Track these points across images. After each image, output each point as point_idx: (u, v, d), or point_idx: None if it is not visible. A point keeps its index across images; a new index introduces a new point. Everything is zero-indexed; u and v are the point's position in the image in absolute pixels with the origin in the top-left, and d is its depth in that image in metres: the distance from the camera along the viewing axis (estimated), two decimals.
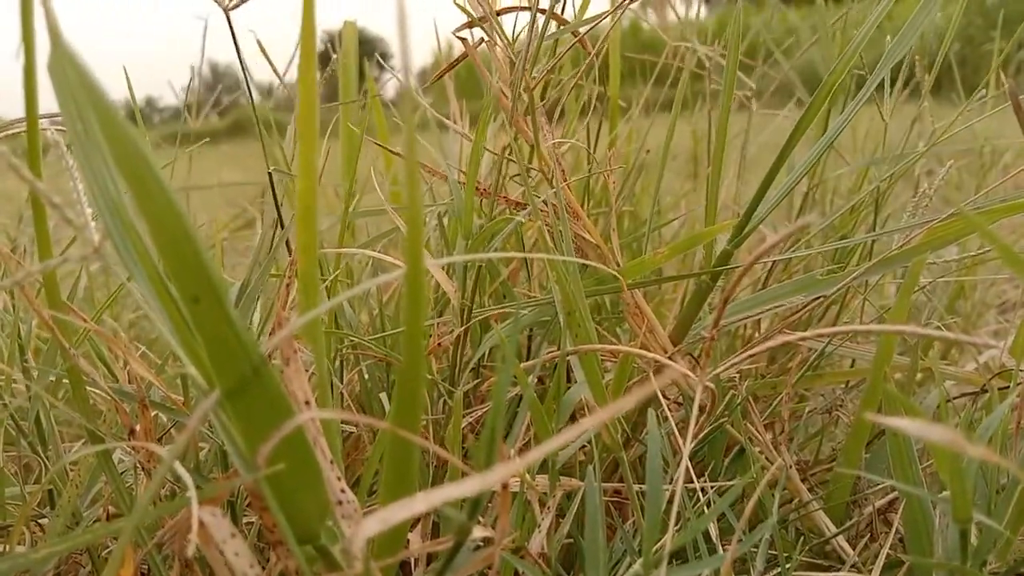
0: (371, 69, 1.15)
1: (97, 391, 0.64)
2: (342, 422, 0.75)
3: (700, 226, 1.10)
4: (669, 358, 0.67)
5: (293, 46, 0.70)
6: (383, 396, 0.75)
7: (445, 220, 0.85)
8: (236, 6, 0.53)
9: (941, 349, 1.02)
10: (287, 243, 0.58)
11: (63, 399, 0.64)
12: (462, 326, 0.66)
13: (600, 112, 0.92)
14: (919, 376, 0.86)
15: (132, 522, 0.28)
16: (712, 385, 0.54)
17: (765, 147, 1.37)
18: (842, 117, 0.65)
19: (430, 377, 0.67)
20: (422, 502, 0.29)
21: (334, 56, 0.90)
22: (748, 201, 0.68)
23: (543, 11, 0.72)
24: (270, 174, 0.59)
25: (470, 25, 0.72)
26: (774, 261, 0.85)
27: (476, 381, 0.78)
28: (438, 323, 0.70)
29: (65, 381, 0.58)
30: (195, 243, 0.29)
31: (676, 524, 0.48)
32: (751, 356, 0.47)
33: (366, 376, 0.81)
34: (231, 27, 0.55)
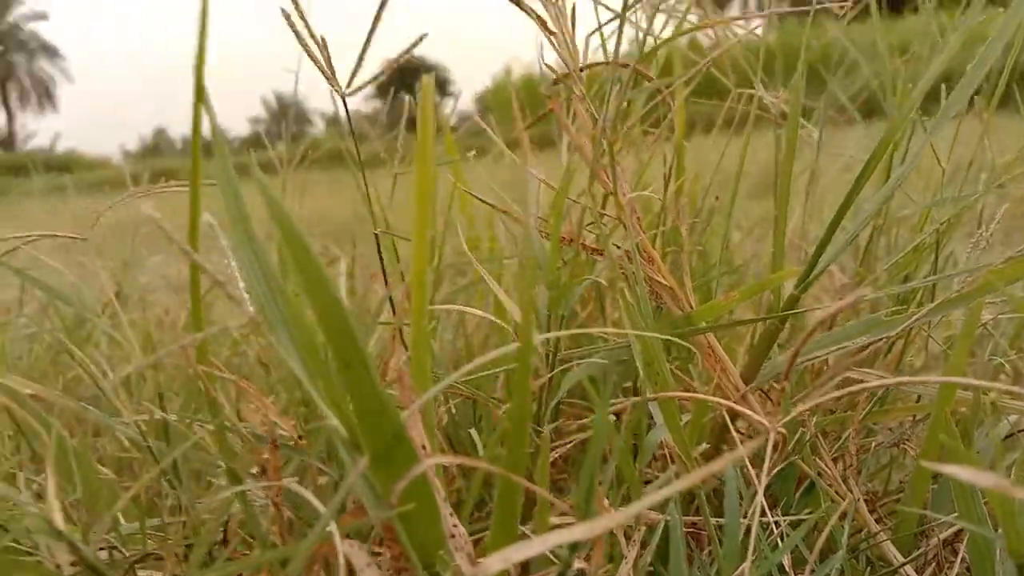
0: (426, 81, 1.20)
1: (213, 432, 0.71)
2: None
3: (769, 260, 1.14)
4: (741, 396, 0.72)
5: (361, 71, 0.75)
6: (472, 431, 0.80)
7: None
8: (355, 92, 0.59)
9: (1009, 380, 1.04)
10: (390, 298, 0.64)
11: (192, 438, 0.71)
12: (548, 372, 0.71)
13: (665, 136, 0.96)
14: (990, 405, 0.88)
15: (308, 544, 0.33)
16: (784, 431, 0.59)
17: (826, 167, 1.39)
18: (906, 165, 0.69)
19: None
20: (539, 544, 0.34)
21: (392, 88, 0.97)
22: (814, 238, 0.72)
23: (626, 65, 0.77)
24: (371, 205, 0.65)
25: (556, 82, 0.78)
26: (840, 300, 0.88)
27: (555, 417, 0.83)
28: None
29: (187, 419, 0.65)
30: (347, 321, 0.35)
31: (752, 555, 0.52)
32: (820, 403, 0.52)
33: (453, 411, 0.86)
34: (346, 111, 0.61)
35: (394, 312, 0.62)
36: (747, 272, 1.23)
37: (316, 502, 0.45)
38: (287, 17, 0.53)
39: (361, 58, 0.57)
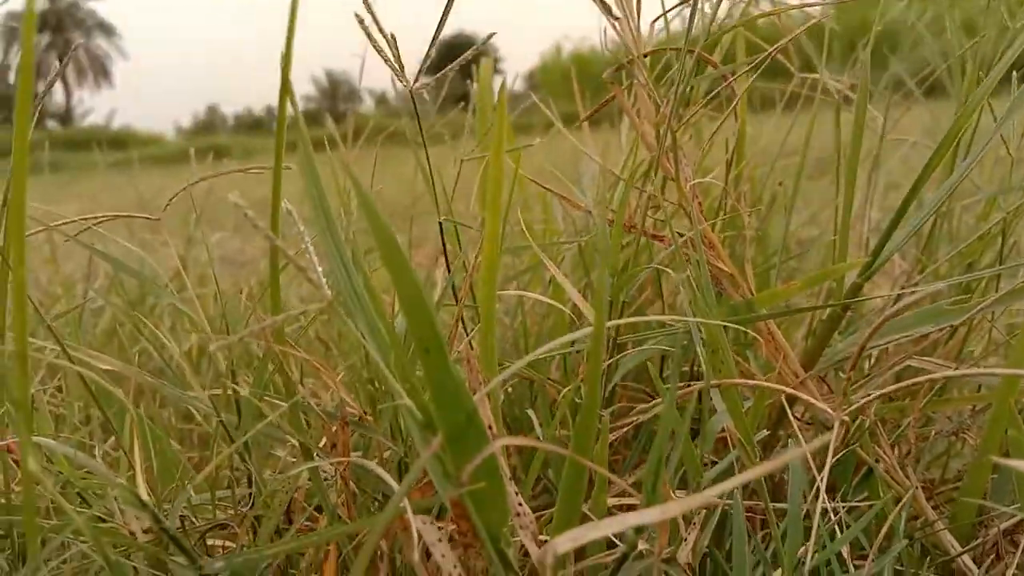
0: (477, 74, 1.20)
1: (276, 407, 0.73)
2: None
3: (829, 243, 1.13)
4: (801, 382, 0.72)
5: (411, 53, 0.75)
6: (529, 411, 0.81)
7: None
8: (425, 86, 0.60)
9: None
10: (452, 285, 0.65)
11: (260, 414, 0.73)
12: (608, 356, 0.72)
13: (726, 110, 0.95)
14: None
15: (384, 518, 0.35)
16: (848, 419, 0.59)
17: (886, 148, 1.36)
18: (972, 158, 0.68)
19: (578, 401, 0.74)
20: (609, 525, 0.35)
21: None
22: (875, 222, 0.72)
23: (691, 51, 0.76)
24: (440, 224, 0.66)
25: (618, 69, 0.78)
26: (903, 287, 0.88)
27: (611, 399, 0.84)
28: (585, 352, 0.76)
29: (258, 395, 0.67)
30: (429, 310, 0.36)
31: (813, 542, 0.53)
32: (883, 394, 0.52)
33: (509, 390, 0.88)
34: (414, 105, 0.62)
35: (455, 297, 0.63)
36: (807, 257, 1.22)
37: (389, 479, 0.46)
38: (361, 21, 0.54)
39: (427, 56, 0.58)
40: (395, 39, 0.68)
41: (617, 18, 0.71)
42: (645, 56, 0.78)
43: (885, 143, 1.14)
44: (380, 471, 0.46)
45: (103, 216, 0.76)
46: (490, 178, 0.43)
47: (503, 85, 0.47)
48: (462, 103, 1.18)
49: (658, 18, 0.75)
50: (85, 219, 0.76)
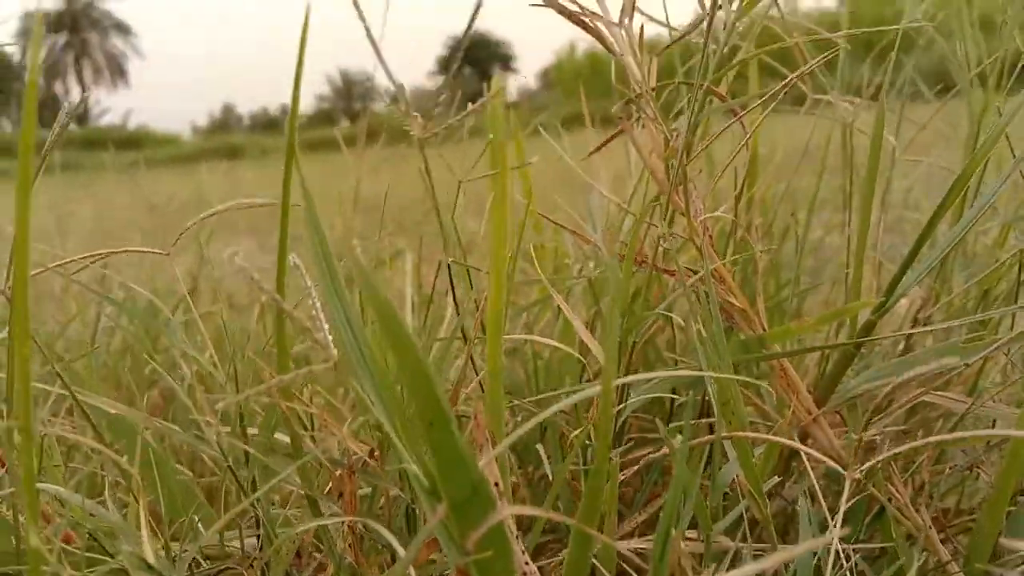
0: (496, 73, 1.20)
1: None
2: None
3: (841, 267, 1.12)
4: (814, 419, 0.72)
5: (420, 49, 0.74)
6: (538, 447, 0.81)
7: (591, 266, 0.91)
8: (439, 104, 0.59)
9: None
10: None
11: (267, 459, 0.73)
12: (619, 404, 0.71)
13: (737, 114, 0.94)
14: None
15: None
16: (862, 477, 0.58)
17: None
18: (986, 198, 0.67)
19: (588, 443, 0.73)
20: None
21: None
22: (887, 248, 0.71)
23: (701, 85, 0.76)
24: (449, 266, 0.66)
25: (628, 103, 0.77)
26: (916, 319, 0.87)
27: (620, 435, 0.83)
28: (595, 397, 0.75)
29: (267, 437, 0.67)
30: (434, 386, 0.36)
31: None
32: (907, 448, 0.51)
33: (519, 420, 0.87)
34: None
35: (465, 339, 0.63)
36: (822, 271, 1.21)
37: (395, 542, 0.46)
38: (374, 47, 0.53)
39: (450, 59, 0.57)
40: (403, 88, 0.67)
41: (621, 55, 0.71)
42: (653, 90, 0.77)
43: (899, 154, 1.12)
44: (386, 533, 0.46)
45: (107, 251, 0.76)
46: (494, 248, 0.42)
47: (518, 147, 0.46)
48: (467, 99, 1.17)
49: (664, 50, 0.74)
50: (88, 256, 0.76)
